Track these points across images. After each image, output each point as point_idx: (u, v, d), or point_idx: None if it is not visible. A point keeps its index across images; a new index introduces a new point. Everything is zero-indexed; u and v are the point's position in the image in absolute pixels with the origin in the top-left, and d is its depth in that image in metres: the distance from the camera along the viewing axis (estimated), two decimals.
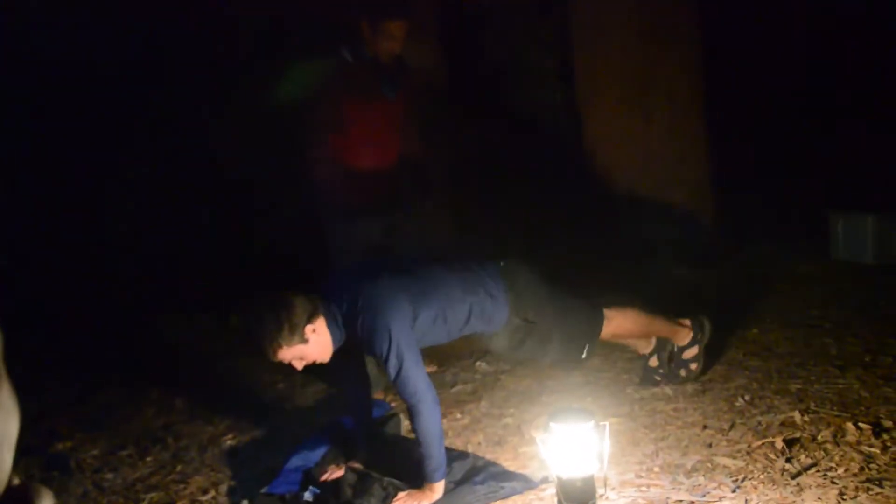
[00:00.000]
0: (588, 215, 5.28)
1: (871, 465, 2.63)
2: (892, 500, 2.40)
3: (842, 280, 4.88)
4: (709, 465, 2.78)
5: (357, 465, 2.99)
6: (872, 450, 2.73)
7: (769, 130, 6.78)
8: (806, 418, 3.04)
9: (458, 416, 3.49)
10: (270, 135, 6.04)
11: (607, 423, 2.53)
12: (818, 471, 2.63)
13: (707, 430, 3.05)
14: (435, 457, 2.70)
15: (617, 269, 4.89)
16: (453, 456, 2.96)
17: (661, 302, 4.21)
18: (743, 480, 2.63)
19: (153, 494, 3.12)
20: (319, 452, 3.15)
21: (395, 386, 2.75)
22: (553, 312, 3.07)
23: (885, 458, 2.66)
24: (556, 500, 2.53)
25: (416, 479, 2.75)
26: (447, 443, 2.92)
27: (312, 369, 4.09)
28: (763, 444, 2.87)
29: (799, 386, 3.37)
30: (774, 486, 2.57)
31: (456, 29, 6.21)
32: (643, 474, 2.77)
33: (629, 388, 3.55)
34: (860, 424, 2.91)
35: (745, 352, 3.83)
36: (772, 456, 2.78)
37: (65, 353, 4.99)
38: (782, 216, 5.88)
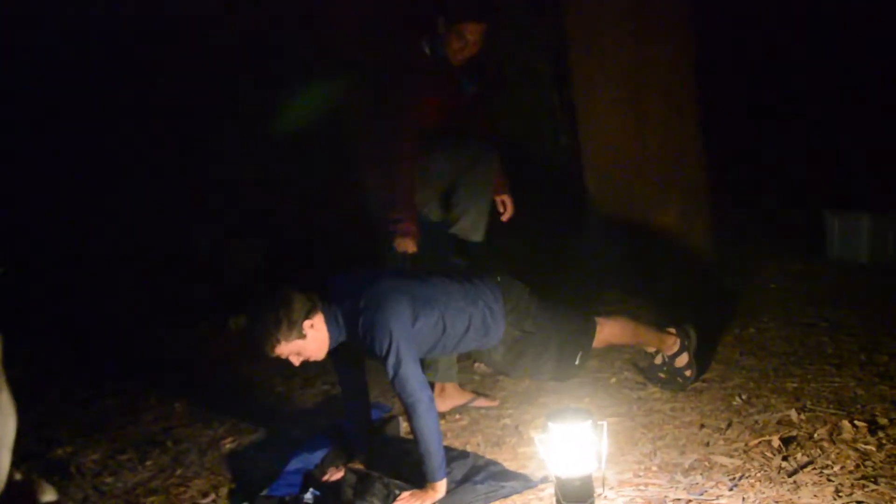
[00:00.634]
0: (580, 218, 5.29)
1: (867, 463, 2.65)
2: (887, 497, 2.42)
3: (837, 279, 4.91)
4: (706, 463, 2.79)
5: (357, 467, 3.00)
6: (868, 447, 2.75)
7: (765, 130, 6.82)
8: (802, 416, 3.06)
9: (457, 416, 3.51)
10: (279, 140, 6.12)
11: (605, 423, 2.55)
12: (815, 468, 2.65)
13: (704, 429, 3.07)
14: (434, 456, 2.72)
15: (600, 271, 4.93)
16: (453, 456, 2.99)
17: (650, 308, 4.26)
18: (740, 479, 2.65)
19: (153, 498, 3.13)
20: (319, 454, 3.16)
21: (393, 386, 2.77)
22: (549, 322, 3.10)
23: (881, 456, 2.68)
24: (554, 499, 2.54)
25: (418, 478, 2.77)
26: (446, 443, 2.94)
27: (312, 371, 4.15)
28: (760, 442, 2.89)
29: (795, 384, 3.39)
30: (771, 484, 2.58)
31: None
32: (641, 473, 2.78)
33: (626, 388, 3.57)
34: (856, 422, 2.93)
35: (741, 351, 3.85)
36: (769, 454, 2.80)
37: (64, 359, 5.00)
38: (778, 215, 5.91)
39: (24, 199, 6.22)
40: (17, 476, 1.55)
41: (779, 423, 3.04)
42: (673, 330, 3.50)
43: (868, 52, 6.76)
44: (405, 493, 2.76)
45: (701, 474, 2.72)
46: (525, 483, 2.80)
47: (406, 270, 3.09)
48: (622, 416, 3.27)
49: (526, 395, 3.64)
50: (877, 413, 3.01)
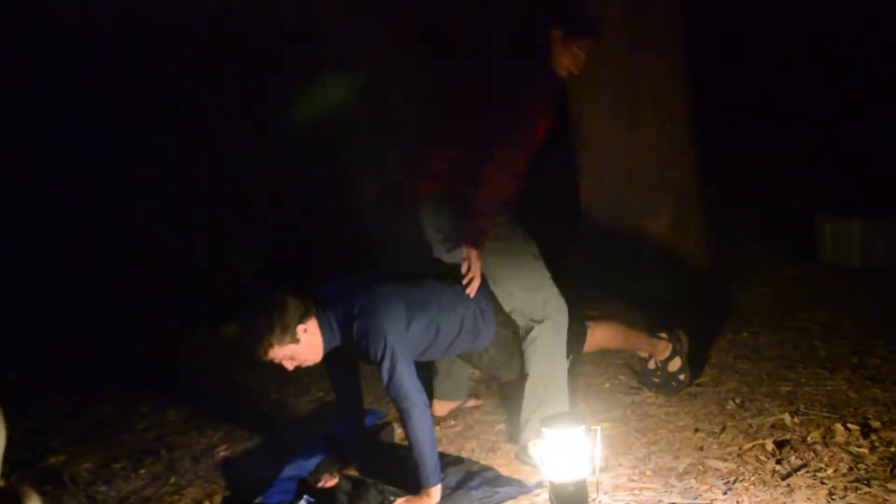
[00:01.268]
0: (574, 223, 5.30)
1: (860, 465, 2.66)
2: (880, 499, 2.43)
3: (829, 283, 4.94)
4: (700, 467, 2.80)
5: (352, 473, 3.00)
6: (861, 450, 2.76)
7: (757, 135, 6.86)
8: (796, 420, 3.07)
9: (451, 422, 3.50)
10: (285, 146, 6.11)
11: (599, 428, 2.56)
12: (808, 472, 2.66)
13: (698, 434, 3.08)
14: (428, 461, 2.72)
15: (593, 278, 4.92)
16: (447, 462, 2.99)
17: (643, 313, 4.27)
18: (734, 482, 2.65)
19: None
20: (314, 461, 3.15)
21: (388, 390, 2.77)
22: None
23: (874, 458, 2.70)
24: None
25: (412, 485, 2.77)
26: (441, 449, 2.94)
27: (306, 378, 4.14)
28: (754, 446, 2.90)
29: (788, 388, 3.40)
30: (765, 488, 2.59)
31: (443, 35, 6.25)
32: (636, 478, 2.79)
33: (620, 393, 3.58)
34: (849, 425, 2.95)
35: (734, 355, 3.87)
36: (762, 458, 2.81)
37: (57, 367, 4.98)
38: (770, 220, 5.94)
39: (22, 201, 6.21)
40: (1, 483, 1.55)
41: (772, 426, 3.05)
42: (664, 334, 3.51)
43: (860, 58, 6.81)
44: (400, 500, 2.75)
45: (695, 478, 2.72)
46: (520, 488, 2.80)
47: (398, 274, 3.08)
48: (616, 421, 3.28)
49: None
50: (869, 416, 3.03)
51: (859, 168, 6.27)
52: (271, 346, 2.72)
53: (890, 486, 2.50)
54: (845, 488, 2.52)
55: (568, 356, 3.19)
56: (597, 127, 5.03)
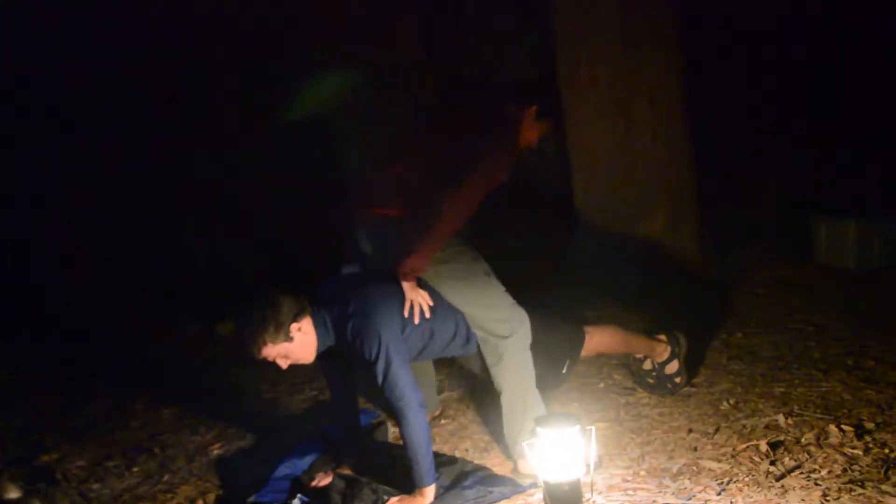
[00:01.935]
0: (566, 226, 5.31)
1: (854, 467, 2.66)
2: (874, 501, 2.44)
3: (824, 284, 4.94)
4: (694, 468, 2.80)
5: (346, 472, 3.00)
6: (855, 451, 2.77)
7: (752, 136, 6.85)
8: (790, 421, 3.07)
9: (443, 421, 3.50)
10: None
11: (593, 428, 2.55)
12: (802, 473, 2.66)
13: (692, 434, 3.08)
14: (423, 461, 2.72)
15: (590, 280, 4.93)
16: (442, 461, 2.99)
17: (639, 315, 4.27)
18: (728, 483, 2.66)
19: None
20: (308, 460, 3.15)
21: (382, 390, 2.77)
22: (538, 330, 3.09)
23: (868, 460, 2.70)
24: None
25: (406, 484, 2.77)
26: (435, 449, 2.94)
27: (301, 377, 4.14)
28: (748, 447, 2.91)
29: (783, 389, 3.40)
30: (759, 489, 2.59)
31: (440, 34, 6.26)
32: (630, 478, 2.79)
33: (614, 393, 3.58)
34: (843, 427, 2.95)
35: (729, 356, 3.87)
36: (756, 459, 2.81)
37: (50, 364, 4.96)
38: (765, 220, 5.94)
39: (16, 198, 6.19)
40: None
41: (766, 427, 3.05)
42: (663, 337, 3.51)
43: (857, 58, 6.82)
44: (394, 499, 2.76)
45: (689, 479, 2.72)
46: (514, 488, 2.80)
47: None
48: (610, 421, 3.28)
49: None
50: (863, 417, 3.03)
51: (855, 169, 6.28)
52: (265, 343, 2.72)
53: (884, 487, 2.51)
54: (839, 490, 2.52)
55: (565, 361, 3.19)
56: (593, 128, 5.03)
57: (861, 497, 2.46)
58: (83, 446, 3.73)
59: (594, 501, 2.62)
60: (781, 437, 2.94)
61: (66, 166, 6.25)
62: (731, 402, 3.33)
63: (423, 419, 2.76)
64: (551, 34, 5.17)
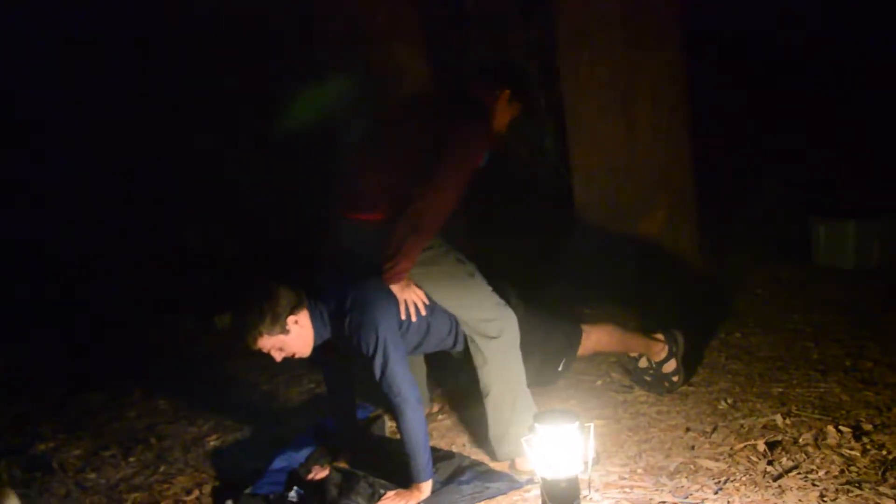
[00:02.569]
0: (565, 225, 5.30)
1: (852, 468, 2.66)
2: (871, 502, 2.44)
3: (823, 285, 4.94)
4: (692, 467, 2.80)
5: (342, 466, 2.99)
6: (853, 452, 2.77)
7: (752, 136, 6.86)
8: (788, 421, 3.07)
9: (441, 416, 3.50)
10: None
11: (592, 425, 2.55)
12: (799, 473, 2.66)
13: (690, 433, 3.08)
14: (420, 456, 2.71)
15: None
16: (439, 456, 2.98)
17: (637, 313, 4.26)
18: (725, 482, 2.66)
19: (136, 494, 3.10)
20: (304, 453, 3.15)
21: (380, 385, 2.76)
22: (535, 328, 3.09)
23: (865, 461, 2.70)
24: (540, 500, 2.54)
25: (403, 478, 2.76)
26: (432, 443, 2.93)
27: (298, 370, 4.13)
28: (745, 446, 2.91)
29: (781, 389, 3.41)
30: (756, 488, 2.59)
31: (441, 30, 6.24)
32: (627, 476, 2.79)
33: (612, 391, 3.58)
34: (841, 427, 2.96)
35: (727, 355, 3.87)
36: (754, 458, 2.81)
37: (47, 355, 4.95)
38: (765, 220, 5.94)
39: (14, 191, 6.19)
40: None
41: (764, 427, 3.05)
42: (661, 336, 3.50)
43: (856, 59, 6.82)
44: (390, 493, 2.75)
45: (686, 477, 2.72)
46: (511, 484, 2.80)
47: None
48: (608, 419, 3.28)
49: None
50: (861, 419, 3.04)
51: (854, 170, 6.29)
52: (261, 335, 2.71)
53: (881, 489, 2.51)
54: (836, 490, 2.52)
55: (561, 359, 3.19)
56: (593, 126, 5.01)
57: (858, 498, 2.47)
58: (80, 436, 3.73)
59: (591, 498, 2.62)
60: (779, 438, 2.94)
61: (61, 160, 6.26)
62: (729, 401, 3.33)
63: (421, 414, 2.75)
64: (552, 31, 5.16)
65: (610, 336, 3.38)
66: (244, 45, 6.45)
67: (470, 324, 3.00)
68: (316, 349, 2.88)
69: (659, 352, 3.48)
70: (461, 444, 3.22)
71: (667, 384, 3.48)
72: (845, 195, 5.87)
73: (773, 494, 2.54)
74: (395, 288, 2.87)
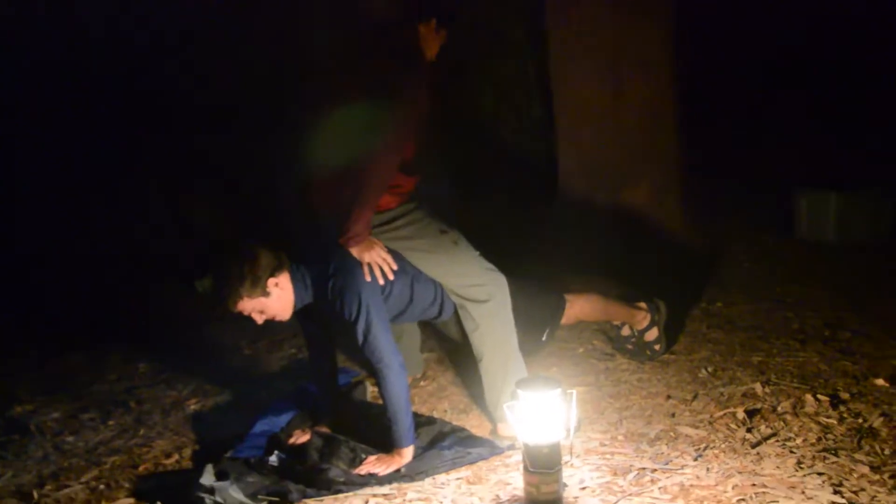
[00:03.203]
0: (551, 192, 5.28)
1: (829, 436, 2.69)
2: (847, 469, 2.46)
3: (804, 257, 4.97)
4: (672, 434, 2.82)
5: (324, 430, 2.99)
6: (830, 420, 2.80)
7: (737, 108, 6.85)
8: (767, 390, 3.10)
9: (423, 383, 3.50)
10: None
11: (574, 392, 2.56)
12: (777, 440, 2.69)
13: (670, 401, 3.10)
14: (402, 421, 2.71)
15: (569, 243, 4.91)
16: (420, 422, 2.99)
17: (621, 282, 4.27)
18: (705, 449, 2.68)
19: (116, 458, 3.09)
20: (285, 417, 3.14)
21: (363, 350, 2.75)
22: (519, 297, 3.08)
23: (842, 429, 2.73)
24: (521, 466, 2.55)
25: (385, 443, 2.76)
26: (413, 409, 2.93)
27: (280, 334, 4.12)
28: (725, 414, 2.93)
29: (761, 358, 3.43)
30: (735, 455, 2.62)
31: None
32: (607, 442, 2.80)
33: (594, 358, 3.59)
34: (819, 396, 2.98)
35: (708, 325, 3.89)
36: (733, 426, 2.83)
37: (25, 317, 4.91)
38: (749, 192, 5.96)
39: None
40: None
41: (743, 395, 3.07)
42: (643, 304, 3.51)
43: (842, 35, 6.81)
44: (371, 457, 2.75)
45: (666, 444, 2.74)
46: (492, 449, 2.80)
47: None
48: (589, 386, 3.29)
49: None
50: (839, 388, 3.07)
51: (837, 143, 6.30)
52: (241, 297, 2.67)
53: (857, 455, 2.54)
54: (813, 457, 2.55)
55: (545, 329, 3.18)
56: (580, 94, 4.97)
57: (834, 465, 2.49)
58: (58, 399, 3.70)
59: (572, 464, 2.63)
60: (758, 406, 2.96)
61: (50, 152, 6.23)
62: (710, 369, 3.36)
63: (404, 380, 2.75)
64: None
65: (593, 305, 3.38)
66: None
67: (458, 290, 2.99)
68: (298, 313, 2.86)
69: (641, 320, 3.50)
70: (442, 410, 3.23)
71: (648, 352, 3.50)
72: (827, 168, 5.88)
73: (752, 461, 2.56)
74: (355, 251, 2.83)
